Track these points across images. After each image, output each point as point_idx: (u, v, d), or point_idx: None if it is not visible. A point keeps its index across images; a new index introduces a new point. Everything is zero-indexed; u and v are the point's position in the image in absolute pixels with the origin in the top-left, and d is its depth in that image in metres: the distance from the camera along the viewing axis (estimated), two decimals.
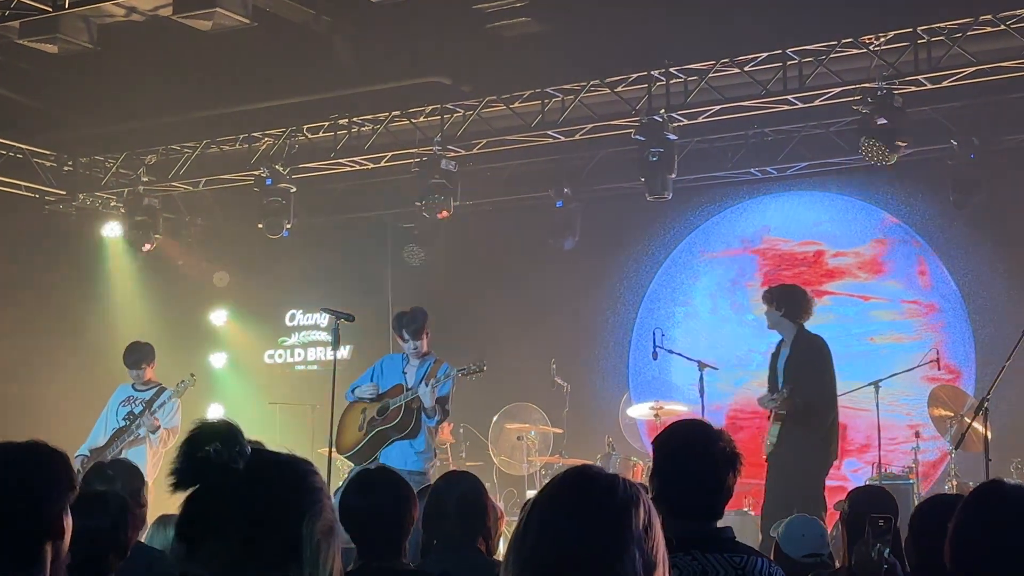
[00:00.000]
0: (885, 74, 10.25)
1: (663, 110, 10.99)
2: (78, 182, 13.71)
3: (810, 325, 9.10)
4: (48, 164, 13.50)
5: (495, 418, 12.49)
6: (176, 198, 14.26)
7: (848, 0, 10.16)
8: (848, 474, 11.60)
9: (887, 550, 3.94)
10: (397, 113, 12.19)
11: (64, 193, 13.62)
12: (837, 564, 5.11)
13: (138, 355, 10.33)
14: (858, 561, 3.96)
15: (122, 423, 10.22)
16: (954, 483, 9.79)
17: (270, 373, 14.85)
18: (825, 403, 8.82)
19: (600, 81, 11.33)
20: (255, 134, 12.92)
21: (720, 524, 3.50)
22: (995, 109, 11.40)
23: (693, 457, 3.45)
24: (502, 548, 4.91)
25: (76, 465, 9.69)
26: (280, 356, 15.05)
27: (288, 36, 10.91)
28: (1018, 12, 9.67)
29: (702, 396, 10.38)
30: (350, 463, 9.23)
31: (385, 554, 3.98)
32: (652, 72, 11.07)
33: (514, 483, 12.22)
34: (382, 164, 12.68)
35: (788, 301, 8.97)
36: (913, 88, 10.34)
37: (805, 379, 8.78)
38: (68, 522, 2.84)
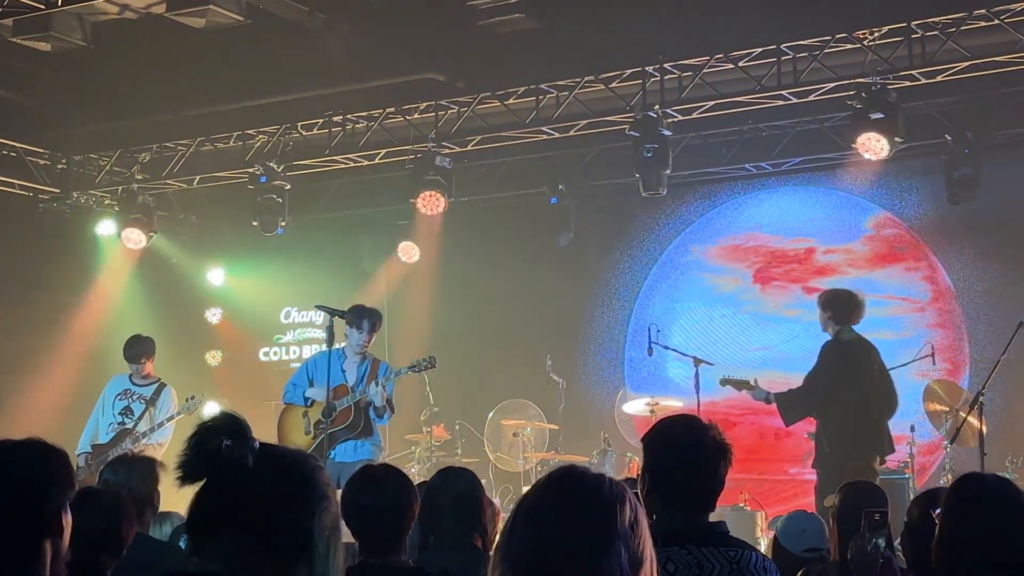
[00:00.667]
0: (879, 69, 10.26)
1: (657, 106, 10.99)
2: (72, 180, 13.69)
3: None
4: (42, 162, 13.48)
5: (491, 415, 12.50)
6: (170, 196, 14.25)
7: None
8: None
9: (883, 544, 3.94)
10: (391, 110, 12.19)
11: (58, 191, 13.61)
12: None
13: (139, 348, 10.30)
14: (854, 555, 3.96)
15: (117, 418, 10.20)
16: (949, 477, 9.81)
17: (265, 370, 14.84)
18: (815, 399, 9.12)
19: (595, 77, 11.33)
20: (249, 132, 12.91)
21: (715, 519, 3.52)
22: (989, 104, 11.41)
23: (682, 449, 3.48)
24: None
25: (79, 463, 9.69)
26: (275, 353, 15.05)
27: (282, 33, 10.90)
28: (1012, 7, 9.68)
29: (697, 392, 10.40)
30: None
31: (386, 550, 3.99)
32: (646, 68, 11.08)
33: (510, 479, 12.22)
34: (376, 161, 12.67)
35: (834, 304, 9.26)
36: (907, 83, 10.35)
37: (807, 377, 9.24)
38: (67, 519, 2.84)
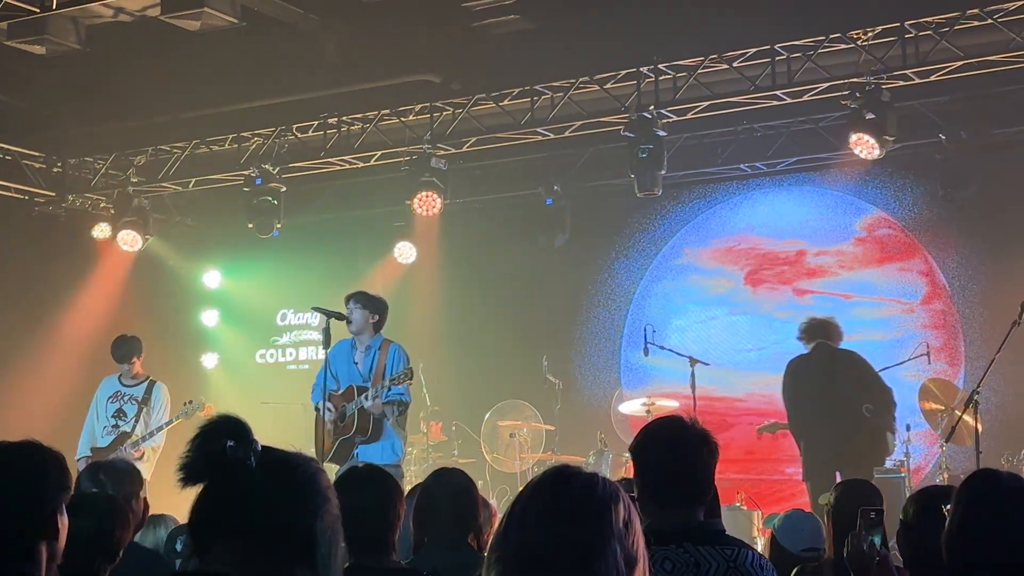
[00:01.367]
0: (873, 69, 10.27)
1: (652, 107, 11.01)
2: (67, 183, 13.68)
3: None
4: (37, 166, 13.48)
5: (487, 415, 12.52)
6: (166, 199, 14.24)
7: None
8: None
9: (878, 541, 3.96)
10: (386, 112, 12.19)
11: (53, 194, 13.60)
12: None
13: (126, 348, 10.31)
14: (850, 553, 3.97)
15: (111, 421, 10.20)
16: (945, 476, 9.83)
17: (262, 373, 14.84)
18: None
19: (589, 78, 11.33)
20: (244, 134, 12.91)
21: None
22: (983, 103, 11.42)
23: (665, 444, 3.51)
24: None
25: (80, 467, 9.67)
26: (272, 356, 15.05)
27: (277, 35, 10.90)
28: (1005, 6, 9.69)
29: (693, 392, 10.42)
30: None
31: (376, 551, 3.99)
32: (641, 69, 11.09)
33: (506, 480, 12.23)
34: (372, 163, 12.68)
35: (809, 328, 9.90)
36: (901, 83, 10.36)
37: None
38: (63, 522, 2.84)
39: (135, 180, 13.47)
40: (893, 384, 10.06)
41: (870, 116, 10.25)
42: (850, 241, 12.72)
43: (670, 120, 11.23)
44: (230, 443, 2.13)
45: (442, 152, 12.10)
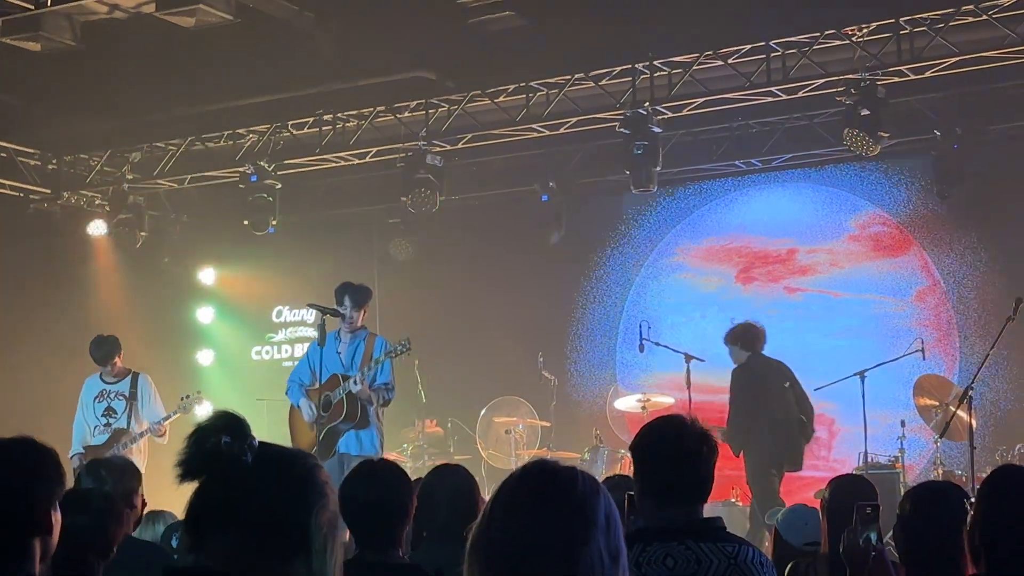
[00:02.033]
0: (868, 65, 10.29)
1: (647, 103, 11.01)
2: (63, 180, 13.67)
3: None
4: (32, 163, 13.46)
5: (483, 412, 12.51)
6: (161, 195, 14.23)
7: None
8: (834, 464, 11.65)
9: (874, 537, 3.97)
10: (382, 108, 12.19)
11: (49, 192, 13.58)
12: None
13: (108, 348, 10.32)
14: (846, 548, 3.98)
15: (102, 419, 10.21)
16: (940, 471, 9.85)
17: (257, 369, 14.83)
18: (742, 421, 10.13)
19: (584, 75, 11.34)
20: (240, 131, 12.90)
21: (709, 515, 3.55)
22: (978, 99, 11.44)
23: (665, 443, 3.52)
24: None
25: (74, 463, 9.68)
26: (267, 352, 15.04)
27: (271, 32, 10.89)
28: (999, 2, 9.71)
29: (689, 388, 10.43)
30: None
31: (382, 546, 3.99)
32: (636, 65, 11.10)
33: (502, 477, 11.92)
34: (367, 160, 12.68)
35: (739, 337, 10.31)
36: (896, 79, 10.38)
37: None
38: (57, 518, 2.85)
39: (130, 177, 13.46)
40: (887, 379, 10.09)
41: (865, 112, 10.26)
42: (843, 238, 12.73)
43: (665, 116, 11.24)
44: (226, 439, 2.14)
45: (437, 149, 12.10)
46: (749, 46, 10.68)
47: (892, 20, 10.13)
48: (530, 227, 13.36)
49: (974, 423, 8.61)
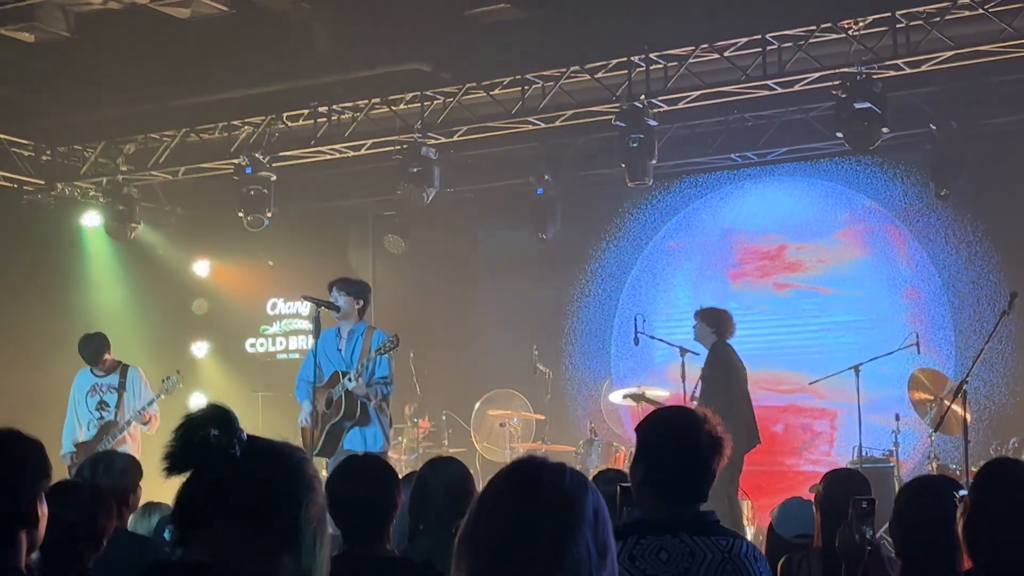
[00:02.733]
0: (864, 59, 10.27)
1: (643, 96, 11.00)
2: (57, 172, 13.64)
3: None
4: (26, 154, 13.43)
5: (477, 405, 12.52)
6: (156, 187, 14.20)
7: None
8: (836, 459, 11.66)
9: (870, 532, 3.96)
10: (377, 100, 12.16)
11: (43, 183, 13.55)
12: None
13: (96, 346, 10.29)
14: (842, 543, 3.98)
15: (95, 414, 10.18)
16: (934, 465, 9.85)
17: (252, 362, 14.82)
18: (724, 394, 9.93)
19: (580, 67, 11.32)
20: (235, 122, 12.87)
21: (704, 508, 3.54)
22: (974, 93, 11.43)
23: (678, 444, 3.48)
24: None
25: (66, 462, 9.66)
26: (262, 345, 15.02)
27: (267, 23, 10.87)
28: None
29: (684, 381, 10.43)
30: None
31: (370, 540, 4.00)
32: (632, 58, 11.07)
33: (496, 469, 12.17)
34: (362, 152, 12.65)
35: (714, 320, 10.25)
36: (892, 72, 10.36)
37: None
38: (43, 510, 2.84)
39: (124, 168, 13.42)
40: (886, 374, 10.10)
41: (861, 106, 10.25)
42: (836, 233, 12.73)
43: (661, 110, 11.22)
44: (214, 432, 2.12)
45: (433, 141, 12.08)
46: (745, 39, 10.66)
47: (888, 14, 10.11)
48: (525, 220, 13.35)
49: (968, 417, 8.62)
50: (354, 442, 8.80)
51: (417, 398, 12.56)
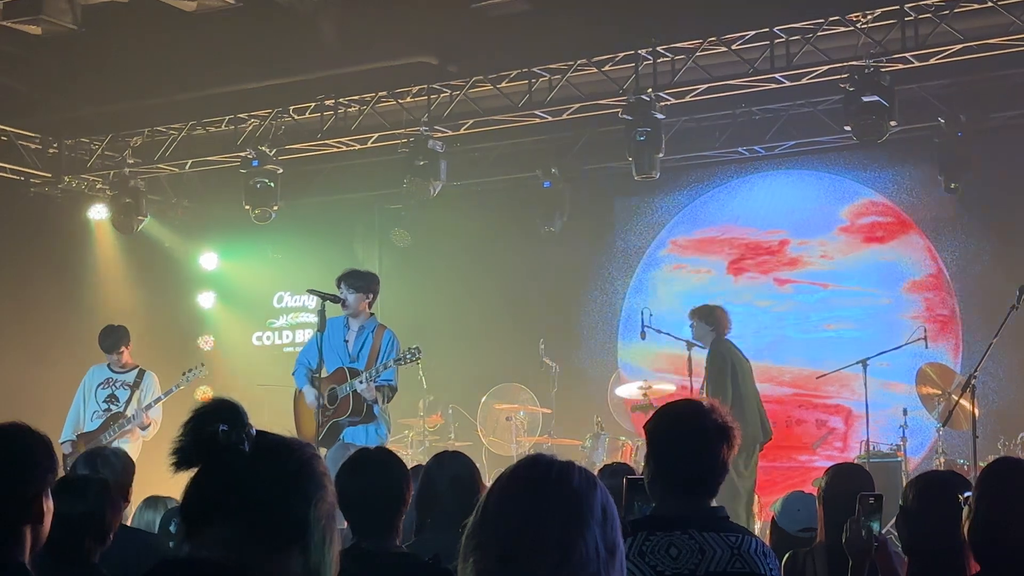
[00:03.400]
0: (872, 52, 10.23)
1: (650, 89, 10.97)
2: (63, 164, 13.64)
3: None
4: (33, 147, 13.43)
5: (483, 399, 12.51)
6: (162, 180, 14.21)
7: None
8: (849, 455, 11.64)
9: (877, 527, 3.95)
10: (384, 94, 12.15)
11: (50, 176, 13.56)
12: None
13: (115, 338, 10.31)
14: (849, 539, 3.96)
15: (104, 406, 10.20)
16: (941, 460, 9.84)
17: (258, 355, 14.82)
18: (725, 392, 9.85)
19: (587, 60, 11.29)
20: (241, 115, 12.86)
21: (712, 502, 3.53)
22: (983, 86, 11.40)
23: (686, 435, 3.46)
24: None
25: (65, 450, 9.68)
26: (268, 338, 15.02)
27: (273, 16, 10.85)
28: None
29: (690, 376, 10.41)
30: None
31: (378, 534, 3.98)
32: (639, 51, 11.04)
33: (503, 464, 12.09)
34: (369, 145, 12.64)
35: (711, 319, 10.23)
36: (900, 66, 10.33)
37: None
38: (49, 505, 2.82)
39: (131, 161, 13.43)
40: (891, 368, 10.07)
41: (869, 99, 10.21)
42: (843, 227, 12.70)
43: (668, 103, 11.20)
44: (223, 427, 2.11)
45: (439, 135, 12.06)
46: (753, 32, 10.63)
47: (896, 7, 10.07)
48: (532, 213, 13.33)
49: (977, 412, 8.59)
50: (356, 436, 8.80)
51: (423, 392, 12.56)
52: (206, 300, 15.02)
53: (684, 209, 13.51)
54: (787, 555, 4.84)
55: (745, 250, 13.14)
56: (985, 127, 11.52)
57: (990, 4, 9.73)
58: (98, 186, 13.92)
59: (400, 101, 12.19)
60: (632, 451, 10.83)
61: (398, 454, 4.37)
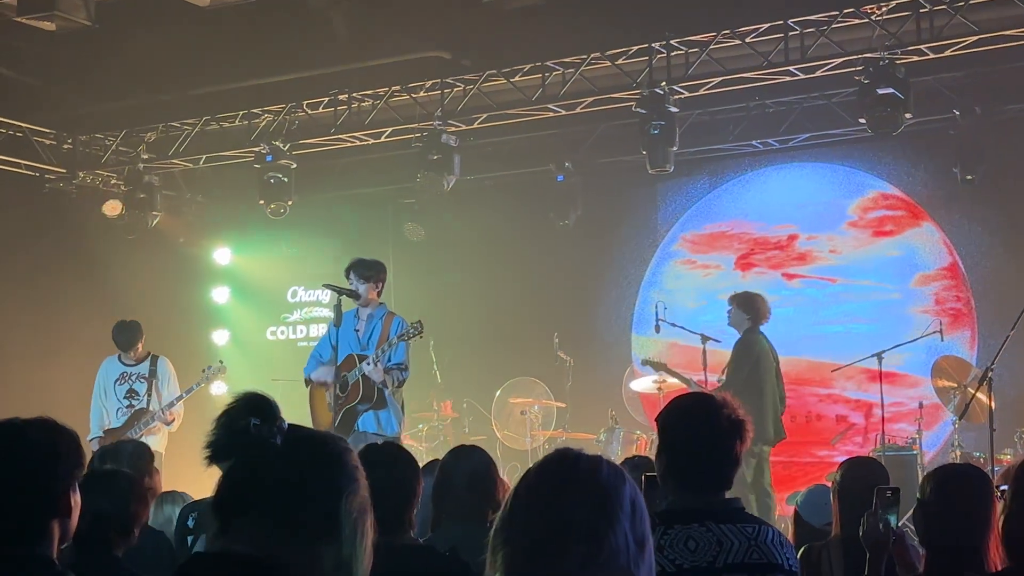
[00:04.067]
0: (887, 44, 10.20)
1: (664, 83, 10.95)
2: (78, 160, 13.68)
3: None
4: (48, 142, 13.47)
5: (498, 393, 12.51)
6: (176, 175, 14.23)
7: None
8: (853, 448, 11.62)
9: (894, 521, 3.94)
10: (397, 88, 12.15)
11: (64, 171, 13.60)
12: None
13: (130, 334, 10.35)
14: (866, 532, 3.95)
15: (125, 402, 10.23)
16: (957, 453, 9.80)
17: (272, 350, 14.84)
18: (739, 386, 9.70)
19: (601, 54, 11.28)
20: (255, 110, 12.88)
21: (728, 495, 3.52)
22: (997, 78, 11.34)
23: (698, 428, 3.46)
24: None
25: (94, 447, 9.71)
26: (282, 333, 15.04)
27: (287, 11, 10.87)
28: None
29: (705, 369, 10.40)
30: None
31: (393, 528, 3.98)
32: (653, 44, 11.02)
33: (517, 457, 12.23)
34: (382, 140, 12.65)
35: (749, 306, 10.19)
36: (915, 58, 10.29)
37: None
38: (76, 499, 2.83)
39: (145, 157, 13.46)
40: (906, 361, 10.03)
41: (884, 92, 10.18)
42: (851, 222, 12.66)
43: (682, 96, 11.18)
44: (255, 421, 2.11)
45: (452, 129, 12.06)
46: (767, 24, 10.60)
47: None
48: (545, 207, 13.33)
49: (993, 405, 8.56)
50: (368, 423, 8.80)
51: (438, 386, 12.56)
52: (220, 295, 15.04)
53: (697, 203, 13.48)
54: (803, 549, 4.83)
55: (754, 245, 13.12)
56: (1000, 118, 11.47)
57: None
58: (112, 181, 13.95)
59: (413, 95, 12.19)
60: (647, 444, 10.83)
61: (412, 448, 4.38)
